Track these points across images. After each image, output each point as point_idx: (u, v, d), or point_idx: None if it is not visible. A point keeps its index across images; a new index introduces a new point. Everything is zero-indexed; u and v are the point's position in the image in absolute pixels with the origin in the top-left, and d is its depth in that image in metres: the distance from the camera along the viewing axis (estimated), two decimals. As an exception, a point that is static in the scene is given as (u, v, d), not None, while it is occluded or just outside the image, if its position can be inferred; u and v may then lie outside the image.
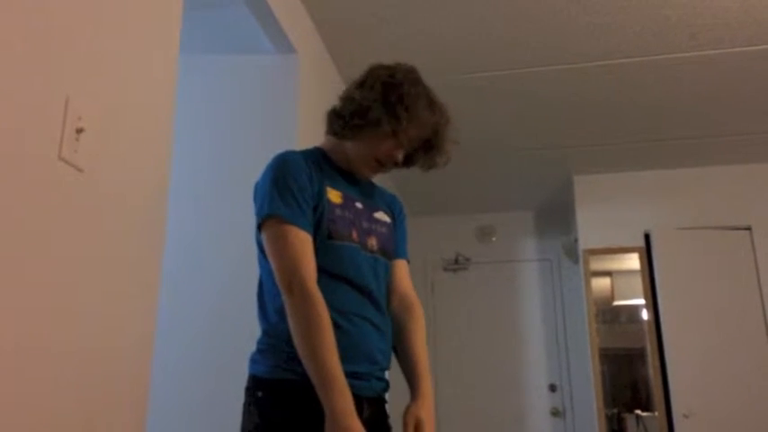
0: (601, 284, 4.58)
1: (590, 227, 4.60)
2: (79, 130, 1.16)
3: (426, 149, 1.54)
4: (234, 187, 1.59)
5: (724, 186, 4.49)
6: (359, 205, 1.48)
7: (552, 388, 5.14)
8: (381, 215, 1.53)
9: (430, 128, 1.50)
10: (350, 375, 1.26)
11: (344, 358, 1.26)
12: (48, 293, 1.07)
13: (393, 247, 1.54)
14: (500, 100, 3.55)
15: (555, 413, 5.09)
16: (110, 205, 1.26)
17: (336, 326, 1.29)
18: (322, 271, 1.34)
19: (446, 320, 5.44)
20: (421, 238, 5.62)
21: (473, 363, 5.29)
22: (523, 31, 2.91)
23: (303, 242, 1.33)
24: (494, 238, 5.57)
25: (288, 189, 1.35)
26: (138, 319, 1.34)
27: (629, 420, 4.34)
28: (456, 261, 5.53)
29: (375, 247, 1.45)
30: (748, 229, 4.37)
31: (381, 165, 1.48)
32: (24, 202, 1.03)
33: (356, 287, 1.39)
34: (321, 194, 1.40)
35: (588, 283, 4.51)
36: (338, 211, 1.41)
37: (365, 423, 1.24)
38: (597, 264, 4.58)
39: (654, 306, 4.34)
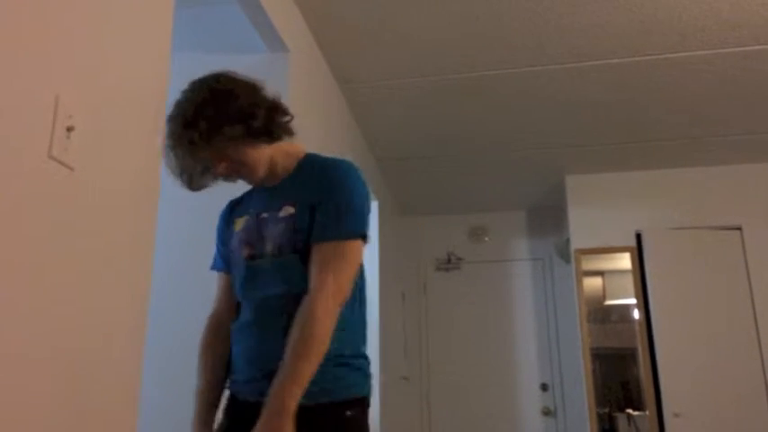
0: (592, 284, 4.60)
1: (582, 227, 4.62)
2: (69, 129, 1.16)
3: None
4: (225, 186, 1.59)
5: (715, 186, 4.51)
6: (265, 215, 1.49)
7: (544, 387, 5.16)
8: (285, 210, 1.47)
9: None
10: (233, 382, 1.46)
11: (233, 369, 1.46)
12: (37, 291, 1.07)
13: (294, 241, 1.42)
14: (493, 100, 3.56)
15: (546, 412, 5.10)
16: (100, 203, 1.26)
17: (233, 337, 1.49)
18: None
19: (438, 320, 5.44)
20: (414, 237, 5.62)
21: (465, 362, 5.30)
22: (515, 31, 2.91)
23: (217, 282, 1.60)
24: (486, 238, 5.58)
25: (216, 242, 1.64)
26: (128, 318, 1.34)
27: (621, 419, 4.36)
28: (449, 261, 5.53)
29: (269, 252, 1.44)
30: (739, 228, 4.40)
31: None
32: (14, 201, 1.02)
33: (243, 298, 1.50)
34: (230, 232, 1.57)
35: (580, 283, 4.52)
36: (235, 239, 1.54)
37: (243, 426, 1.33)
38: (589, 263, 4.59)
39: (645, 305, 4.36)
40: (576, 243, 4.60)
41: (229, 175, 1.48)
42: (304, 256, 1.40)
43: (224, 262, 1.58)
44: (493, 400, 5.17)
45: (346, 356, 1.40)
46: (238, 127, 1.41)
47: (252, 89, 1.48)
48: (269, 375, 1.31)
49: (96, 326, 1.22)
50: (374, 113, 3.71)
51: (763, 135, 4.03)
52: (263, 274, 1.44)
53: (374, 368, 4.46)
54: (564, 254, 5.04)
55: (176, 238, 2.13)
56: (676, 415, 4.01)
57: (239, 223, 1.55)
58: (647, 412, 4.22)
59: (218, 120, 1.39)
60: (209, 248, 1.69)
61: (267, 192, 1.54)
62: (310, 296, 1.34)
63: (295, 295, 1.37)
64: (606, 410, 4.37)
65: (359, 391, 1.40)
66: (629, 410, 4.36)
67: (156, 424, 1.85)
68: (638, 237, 4.49)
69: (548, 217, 5.44)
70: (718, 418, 3.98)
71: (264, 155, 1.48)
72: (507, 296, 5.41)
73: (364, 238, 1.44)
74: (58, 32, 1.15)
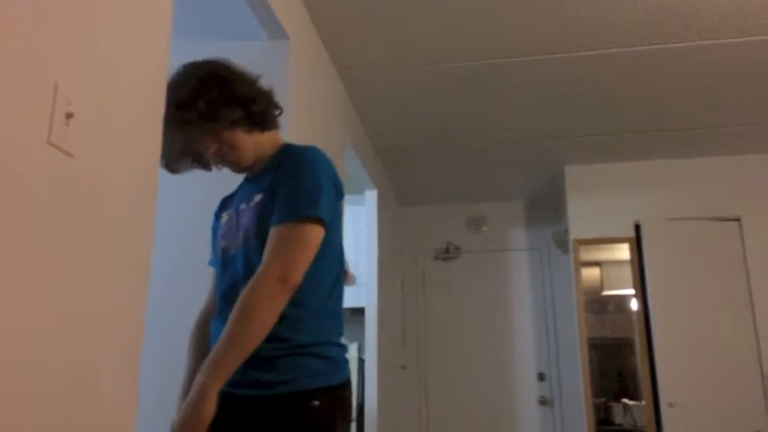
0: (590, 274, 4.60)
1: (581, 217, 4.62)
2: (69, 115, 1.15)
3: None
4: (226, 174, 1.59)
5: (714, 177, 4.51)
6: (243, 206, 1.50)
7: (541, 377, 5.18)
8: (255, 199, 1.47)
9: None
10: None
11: None
12: (35, 279, 1.06)
13: (258, 228, 1.41)
14: (492, 89, 3.55)
15: (543, 402, 5.13)
16: (100, 190, 1.25)
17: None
18: None
19: (436, 309, 5.45)
20: (412, 227, 5.62)
21: (463, 351, 5.31)
22: (516, 21, 2.90)
23: (211, 276, 1.62)
24: (485, 228, 5.58)
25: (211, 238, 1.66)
26: (126, 307, 1.33)
27: (617, 409, 4.38)
28: (447, 250, 5.54)
29: (240, 241, 1.45)
30: (737, 220, 4.40)
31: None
32: (12, 188, 1.02)
33: (216, 289, 1.53)
34: (218, 228, 1.60)
35: (578, 273, 4.53)
36: (219, 233, 1.57)
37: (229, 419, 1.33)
38: (587, 254, 4.60)
39: (643, 296, 4.36)
40: (575, 233, 4.60)
41: (216, 160, 1.49)
42: (264, 244, 1.38)
43: (215, 257, 1.60)
44: (490, 390, 5.19)
45: (310, 345, 1.36)
46: (238, 111, 1.43)
47: (250, 78, 1.51)
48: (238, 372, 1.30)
49: (94, 314, 1.22)
50: (374, 102, 3.70)
51: (763, 126, 4.03)
52: (234, 263, 1.45)
53: (372, 356, 4.46)
54: (562, 244, 5.04)
55: (175, 228, 2.13)
56: (672, 405, 4.03)
57: (225, 218, 1.58)
58: (644, 402, 4.24)
59: (218, 101, 1.40)
60: (208, 238, 1.69)
61: (250, 183, 1.57)
62: (252, 279, 1.30)
63: None
64: (602, 400, 4.39)
65: (325, 381, 1.37)
66: (625, 400, 4.38)
67: (154, 424, 1.83)
68: (637, 227, 4.49)
69: (546, 207, 5.43)
70: (713, 408, 4.00)
71: (254, 142, 1.49)
72: (505, 286, 5.42)
73: (319, 221, 1.37)
74: (57, 19, 1.14)
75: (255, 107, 1.46)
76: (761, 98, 3.63)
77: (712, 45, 3.09)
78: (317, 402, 1.33)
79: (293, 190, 1.38)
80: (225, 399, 1.28)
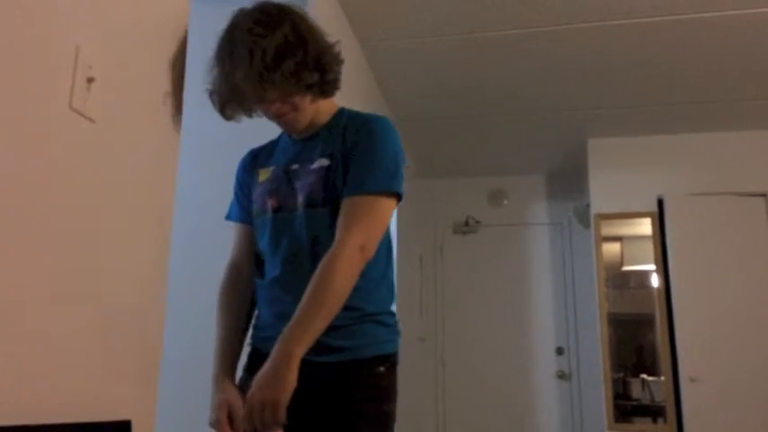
0: (611, 249, 4.56)
1: (602, 191, 4.56)
2: (90, 80, 1.15)
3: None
4: (247, 139, 1.58)
5: (739, 152, 4.43)
6: (294, 167, 1.46)
7: (559, 351, 5.17)
8: (319, 162, 1.43)
9: None
10: (259, 337, 1.44)
11: (258, 324, 1.46)
12: (59, 241, 1.07)
13: (326, 195, 1.39)
14: (515, 60, 3.49)
15: (561, 376, 5.13)
16: (121, 155, 1.25)
17: (258, 298, 1.47)
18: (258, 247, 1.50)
19: (455, 283, 5.45)
20: (431, 200, 5.60)
21: (481, 324, 5.32)
22: (541, -11, 2.84)
23: (234, 233, 1.55)
24: (505, 202, 5.55)
25: (234, 191, 1.59)
26: (149, 271, 1.34)
27: (635, 384, 4.37)
28: (466, 224, 5.52)
29: (300, 204, 1.40)
30: (763, 195, 4.32)
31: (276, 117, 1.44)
32: (36, 152, 1.02)
33: (270, 253, 1.45)
34: (253, 183, 1.53)
35: (599, 248, 4.49)
36: (259, 190, 1.49)
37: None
38: (608, 229, 4.55)
39: (664, 272, 4.32)
40: (596, 208, 4.55)
41: (272, 117, 1.42)
42: (335, 210, 1.36)
43: (244, 212, 1.54)
44: (508, 363, 5.20)
45: (378, 314, 1.39)
46: (315, 75, 1.38)
47: (329, 42, 1.44)
48: None
49: (117, 277, 1.23)
50: (395, 73, 3.67)
51: (792, 100, 3.93)
52: (292, 227, 1.40)
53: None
54: (583, 219, 5.00)
55: (196, 194, 2.14)
56: (693, 380, 4.01)
57: (264, 174, 1.50)
58: (663, 377, 4.22)
59: (303, 64, 1.34)
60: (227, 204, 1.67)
61: (298, 143, 1.50)
62: (335, 247, 1.30)
63: (325, 250, 1.34)
64: (621, 375, 4.38)
65: (390, 348, 1.40)
66: (644, 375, 4.36)
67: (171, 416, 1.82)
68: (660, 202, 4.44)
69: (568, 181, 5.38)
70: (734, 383, 3.97)
71: (315, 107, 1.44)
72: (525, 260, 5.40)
73: (397, 196, 1.40)
74: (77, -19, 1.13)
75: (330, 75, 1.42)
76: (791, 70, 3.54)
77: (740, 15, 3.00)
78: (382, 368, 1.36)
79: (373, 162, 1.38)
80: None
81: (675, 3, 2.91)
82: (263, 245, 1.46)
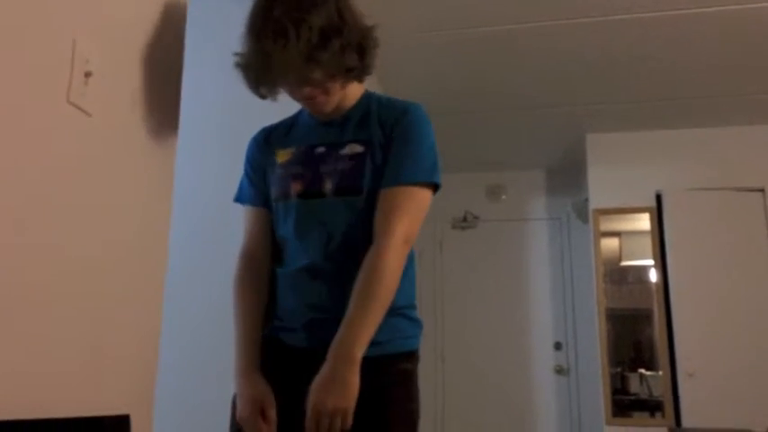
0: (609, 245, 4.57)
1: (601, 186, 4.56)
2: (87, 74, 1.14)
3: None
4: (246, 132, 1.56)
5: (738, 147, 4.43)
6: (320, 150, 1.39)
7: (558, 346, 5.18)
8: (351, 148, 1.37)
9: None
10: (281, 328, 1.37)
11: (280, 314, 1.38)
12: (56, 236, 1.07)
13: (362, 182, 1.33)
14: (514, 55, 3.48)
15: (559, 371, 5.14)
16: (119, 150, 1.25)
17: (278, 287, 1.40)
18: (276, 234, 1.43)
19: (454, 278, 5.46)
20: (430, 195, 5.59)
21: (479, 320, 5.32)
22: (541, -17, 2.83)
23: (247, 217, 1.46)
24: (504, 197, 5.55)
25: (246, 172, 1.50)
26: (146, 266, 1.34)
27: (632, 379, 4.38)
28: (465, 219, 5.52)
29: (329, 190, 1.34)
30: (761, 190, 4.32)
31: (307, 99, 1.35)
32: (32, 146, 1.02)
33: (296, 240, 1.38)
34: (269, 163, 1.45)
35: (597, 243, 4.50)
36: (280, 172, 1.41)
37: (290, 372, 1.31)
38: (606, 224, 4.56)
39: (662, 267, 4.33)
40: (595, 203, 4.55)
41: (300, 99, 1.35)
42: (370, 200, 1.32)
43: (259, 195, 1.45)
44: (506, 358, 5.21)
45: (403, 307, 1.36)
46: (356, 58, 1.33)
47: (362, 17, 1.38)
48: (333, 322, 1.24)
49: (114, 271, 1.23)
50: (394, 68, 3.66)
51: (791, 95, 3.93)
52: (323, 214, 1.34)
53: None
54: (582, 214, 5.00)
55: (194, 188, 2.13)
56: (690, 375, 4.02)
57: (283, 155, 1.43)
58: (661, 372, 4.23)
59: (347, 47, 1.28)
60: (231, 199, 1.66)
61: (321, 125, 1.42)
62: (381, 241, 1.26)
63: (359, 239, 1.30)
64: (619, 370, 4.39)
65: (414, 344, 1.37)
66: (642, 370, 4.37)
67: (168, 421, 1.79)
68: (658, 197, 4.44)
69: (566, 176, 5.38)
70: (732, 378, 3.98)
71: (344, 90, 1.38)
72: (523, 255, 5.40)
73: (436, 189, 1.37)
74: (74, -26, 1.12)
75: (368, 59, 1.36)
76: (790, 65, 3.53)
77: (737, 10, 3.00)
78: (409, 365, 1.35)
79: (414, 152, 1.34)
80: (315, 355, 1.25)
81: (675, -3, 2.91)
82: (286, 231, 1.39)
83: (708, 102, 4.07)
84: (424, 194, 1.35)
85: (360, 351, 1.19)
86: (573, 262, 5.28)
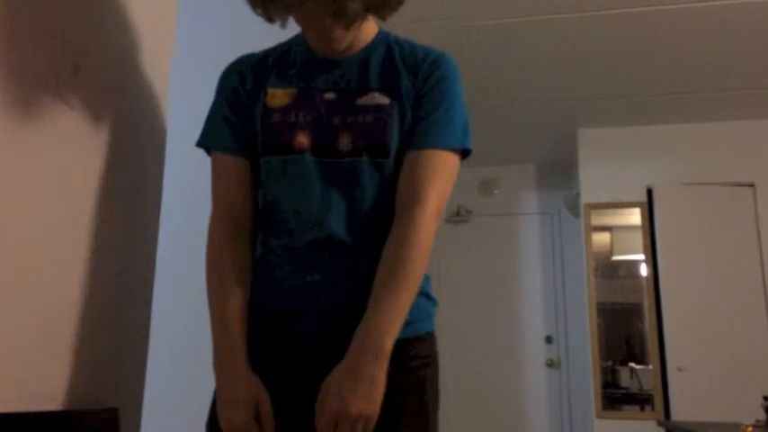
0: (600, 239, 4.59)
1: (592, 181, 4.59)
2: (76, 68, 1.14)
3: None
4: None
5: (729, 142, 4.45)
6: (330, 96, 1.15)
7: (549, 340, 5.21)
8: (372, 98, 1.14)
9: None
10: (282, 314, 1.14)
11: (282, 296, 1.14)
12: (43, 230, 1.07)
13: (385, 142, 1.12)
14: (506, 49, 3.49)
15: (550, 364, 5.17)
16: (108, 145, 1.25)
17: (265, 264, 1.17)
18: (264, 195, 1.19)
19: (446, 272, 5.47)
20: (422, 189, 5.60)
21: (472, 313, 5.34)
22: (532, -22, 2.84)
23: (223, 169, 1.19)
24: (496, 191, 5.56)
25: (219, 111, 1.21)
26: (137, 261, 1.34)
27: (623, 372, 4.41)
28: (457, 213, 5.53)
29: (345, 147, 1.12)
30: (751, 185, 4.35)
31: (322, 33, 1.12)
32: (19, 139, 1.01)
33: (300, 205, 1.14)
34: (257, 104, 1.18)
35: (588, 238, 4.52)
36: (277, 117, 1.15)
37: (295, 364, 1.11)
38: (597, 219, 4.58)
39: (653, 262, 4.35)
40: (586, 197, 4.57)
41: (317, 32, 1.11)
42: (399, 163, 1.13)
43: (240, 143, 1.18)
44: (498, 351, 5.24)
45: (424, 285, 1.17)
46: None
47: None
48: (356, 309, 1.05)
49: (102, 264, 1.23)
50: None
51: (781, 90, 3.95)
52: (342, 177, 1.12)
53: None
54: (573, 208, 5.02)
55: (185, 181, 2.13)
56: (680, 369, 4.05)
57: (280, 96, 1.17)
58: (651, 366, 4.26)
59: None
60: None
61: (323, 63, 1.18)
62: (412, 211, 1.08)
63: (389, 211, 1.11)
64: (609, 363, 4.42)
65: (432, 325, 1.20)
66: (633, 364, 4.40)
67: (158, 415, 1.78)
68: (649, 192, 4.46)
69: (558, 171, 5.40)
70: (721, 372, 4.02)
71: (359, 28, 1.16)
72: (515, 250, 5.42)
73: (467, 155, 1.20)
74: (62, -33, 1.12)
75: None
76: (780, 61, 3.56)
77: (727, 5, 3.01)
78: (434, 347, 1.19)
79: (449, 112, 1.15)
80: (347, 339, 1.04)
81: (666, -7, 2.92)
82: (282, 193, 1.16)
83: (697, 97, 4.09)
84: (456, 162, 1.16)
85: (391, 341, 1.00)
86: (564, 256, 5.30)
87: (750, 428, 2.68)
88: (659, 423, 3.75)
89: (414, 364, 1.11)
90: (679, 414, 4.00)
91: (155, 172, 1.41)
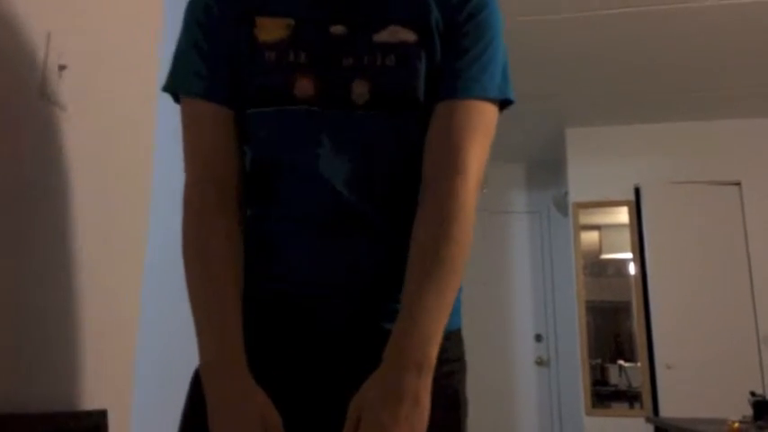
0: (589, 238, 4.62)
1: (581, 180, 4.61)
2: (62, 67, 1.13)
3: None
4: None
5: (715, 141, 4.49)
6: (339, 30, 0.89)
7: (538, 338, 5.23)
8: (394, 33, 0.89)
9: None
10: (296, 296, 0.89)
11: (288, 278, 0.90)
12: (32, 232, 1.06)
13: (412, 89, 0.88)
14: (494, 49, 3.50)
15: (540, 362, 5.19)
16: (93, 144, 1.24)
17: (265, 233, 0.92)
18: (253, 155, 0.93)
19: (435, 271, 5.47)
20: (411, 188, 5.60)
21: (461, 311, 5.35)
22: (520, -22, 2.84)
23: (200, 118, 0.91)
24: (484, 190, 5.57)
25: (193, 44, 0.91)
26: (123, 267, 1.33)
27: (612, 370, 4.44)
28: (446, 212, 5.53)
29: (361, 96, 0.87)
30: (738, 184, 4.39)
31: None
32: (6, 139, 1.00)
33: (291, 166, 0.90)
34: (243, 38, 0.90)
35: (577, 236, 4.54)
36: (269, 55, 0.88)
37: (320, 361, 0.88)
38: (586, 217, 4.60)
39: (641, 260, 4.38)
40: (575, 196, 4.60)
41: None
42: (429, 114, 0.89)
43: (221, 85, 0.90)
44: (487, 350, 5.24)
45: None
46: None
47: None
48: (383, 293, 0.88)
49: (92, 266, 1.22)
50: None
51: (765, 89, 3.99)
52: (359, 134, 0.88)
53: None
54: (562, 207, 5.04)
55: (174, 180, 2.12)
56: (669, 366, 4.08)
57: (273, 28, 0.89)
58: (639, 363, 4.29)
59: None
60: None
61: None
62: (454, 183, 0.85)
63: (418, 175, 0.89)
64: (598, 361, 4.44)
65: (460, 320, 1.02)
66: (621, 362, 4.43)
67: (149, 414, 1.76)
68: (637, 191, 4.49)
69: (547, 170, 5.42)
70: (709, 370, 4.04)
71: None
72: (504, 248, 5.44)
73: (505, 106, 0.97)
74: (48, -34, 1.11)
75: None
76: (763, 61, 3.58)
77: (715, 6, 3.03)
78: (463, 345, 1.02)
79: (489, 56, 0.93)
80: (375, 333, 0.85)
81: (653, -8, 2.94)
82: (280, 152, 0.90)
83: (685, 97, 4.12)
84: (495, 115, 0.93)
85: (436, 350, 0.80)
86: (553, 255, 5.32)
87: (737, 424, 2.70)
88: (648, 420, 3.78)
89: (445, 369, 0.89)
90: (667, 411, 4.03)
91: (144, 169, 1.41)
